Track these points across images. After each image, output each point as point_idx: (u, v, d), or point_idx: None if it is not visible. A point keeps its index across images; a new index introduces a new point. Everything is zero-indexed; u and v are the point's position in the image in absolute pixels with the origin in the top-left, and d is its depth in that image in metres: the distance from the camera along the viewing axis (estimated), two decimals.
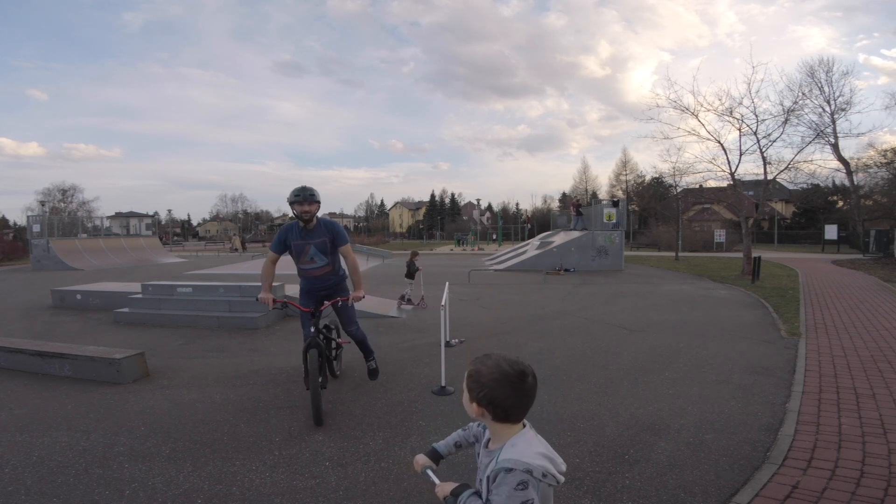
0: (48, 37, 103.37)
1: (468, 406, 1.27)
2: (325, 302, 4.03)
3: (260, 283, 4.07)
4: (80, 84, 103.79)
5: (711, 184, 18.21)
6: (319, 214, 4.02)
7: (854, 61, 79.88)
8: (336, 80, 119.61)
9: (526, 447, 1.18)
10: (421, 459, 1.49)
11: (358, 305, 4.25)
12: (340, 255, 4.09)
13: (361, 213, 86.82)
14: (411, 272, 9.47)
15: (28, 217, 24.28)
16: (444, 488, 1.31)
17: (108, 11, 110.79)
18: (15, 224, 52.14)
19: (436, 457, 1.49)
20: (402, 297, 9.11)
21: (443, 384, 4.32)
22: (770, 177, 15.22)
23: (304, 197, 3.85)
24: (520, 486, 1.11)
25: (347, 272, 4.17)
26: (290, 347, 5.94)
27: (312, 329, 3.77)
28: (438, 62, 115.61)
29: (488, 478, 1.18)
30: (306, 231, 3.95)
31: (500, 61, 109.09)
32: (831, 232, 29.45)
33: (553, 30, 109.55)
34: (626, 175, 54.28)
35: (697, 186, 20.45)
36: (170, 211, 63.24)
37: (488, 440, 1.31)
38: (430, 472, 1.42)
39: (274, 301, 3.80)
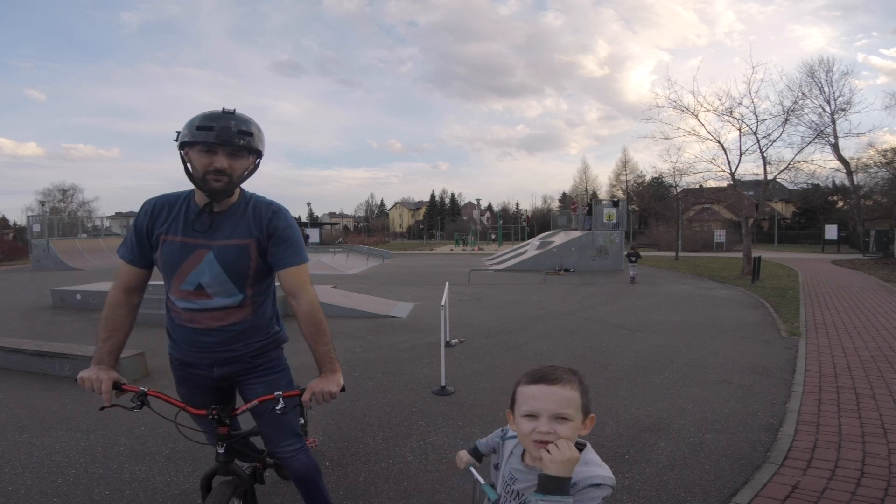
0: (46, 37, 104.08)
1: (574, 430, 1.09)
2: (245, 401, 1.87)
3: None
4: (78, 84, 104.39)
5: (711, 184, 18.29)
6: (248, 187, 1.75)
7: (853, 61, 79.81)
8: (334, 80, 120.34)
9: (598, 462, 1.13)
10: (465, 457, 1.46)
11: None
12: (279, 288, 1.84)
13: (361, 213, 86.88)
14: (637, 257, 13.20)
15: (28, 217, 24.33)
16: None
17: (106, 11, 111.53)
18: (15, 224, 52.05)
19: (477, 455, 1.46)
20: (633, 278, 12.75)
21: (443, 384, 4.32)
22: (770, 177, 15.26)
23: (222, 135, 1.54)
24: (603, 500, 1.11)
25: (301, 328, 1.77)
26: (294, 347, 5.92)
27: (221, 448, 1.80)
28: (437, 62, 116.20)
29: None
30: (207, 217, 1.66)
31: (499, 61, 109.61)
32: (831, 232, 29.47)
33: (551, 29, 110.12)
34: (626, 175, 54.35)
35: (697, 186, 20.46)
36: None
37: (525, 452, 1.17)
38: (473, 470, 1.40)
39: (118, 388, 1.67)
